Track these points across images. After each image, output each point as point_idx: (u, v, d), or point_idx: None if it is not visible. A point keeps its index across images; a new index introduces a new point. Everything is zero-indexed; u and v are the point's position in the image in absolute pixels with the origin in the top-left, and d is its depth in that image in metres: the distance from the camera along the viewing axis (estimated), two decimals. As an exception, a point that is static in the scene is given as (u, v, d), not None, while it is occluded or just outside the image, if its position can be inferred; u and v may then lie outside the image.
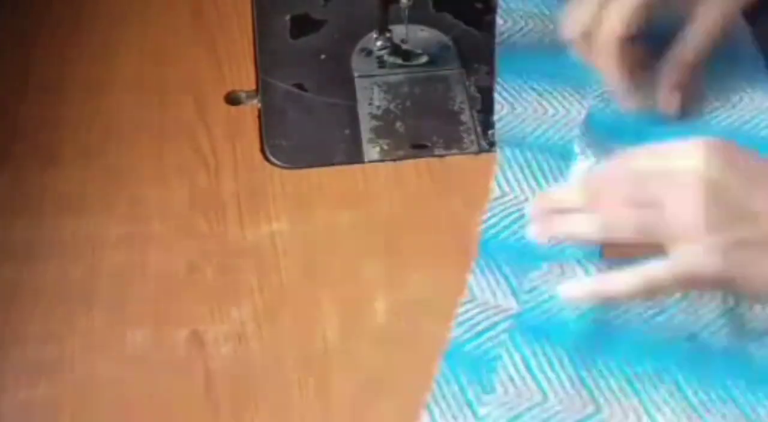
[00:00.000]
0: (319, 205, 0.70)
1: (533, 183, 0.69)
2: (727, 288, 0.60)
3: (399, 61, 0.80)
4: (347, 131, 0.75)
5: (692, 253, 0.55)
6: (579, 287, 0.61)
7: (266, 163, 0.73)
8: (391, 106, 0.77)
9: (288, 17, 0.84)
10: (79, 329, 0.64)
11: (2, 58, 0.80)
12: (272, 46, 0.82)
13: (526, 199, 0.68)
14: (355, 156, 0.74)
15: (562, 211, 0.61)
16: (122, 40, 0.81)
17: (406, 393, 0.60)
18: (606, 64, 0.70)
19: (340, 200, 0.70)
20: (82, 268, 0.67)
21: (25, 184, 0.72)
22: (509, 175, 0.70)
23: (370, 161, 0.73)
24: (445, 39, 0.81)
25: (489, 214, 0.68)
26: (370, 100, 0.77)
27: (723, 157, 0.56)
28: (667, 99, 0.71)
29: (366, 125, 0.75)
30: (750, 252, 0.55)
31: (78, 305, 0.65)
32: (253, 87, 0.78)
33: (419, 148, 0.74)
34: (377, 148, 0.74)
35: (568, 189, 0.64)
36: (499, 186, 0.69)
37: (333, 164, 0.73)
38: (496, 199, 0.68)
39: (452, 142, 0.74)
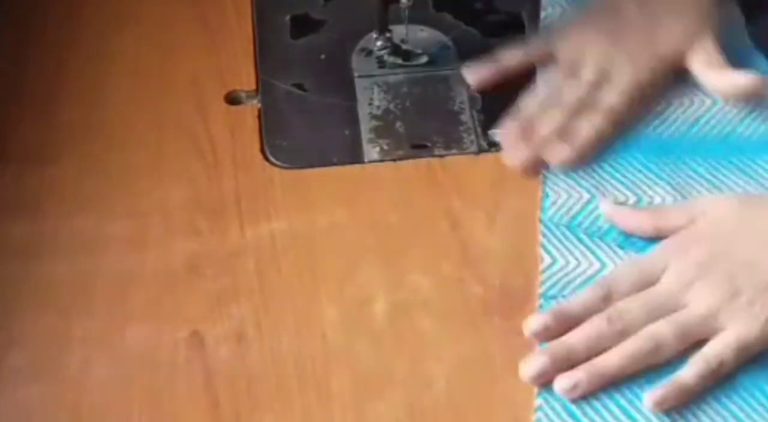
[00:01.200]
0: (319, 204, 0.70)
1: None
2: None
3: (399, 61, 0.80)
4: (347, 131, 0.75)
5: None
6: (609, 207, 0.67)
7: (266, 163, 0.73)
8: (391, 106, 0.77)
9: (288, 17, 0.84)
10: (78, 328, 0.64)
11: (1, 58, 0.80)
12: (272, 46, 0.82)
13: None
14: (355, 156, 0.74)
15: None
16: (121, 39, 0.81)
17: (406, 393, 0.60)
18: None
19: (340, 200, 0.70)
20: (81, 268, 0.67)
21: (24, 183, 0.71)
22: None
23: (370, 161, 0.73)
24: (445, 39, 0.81)
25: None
26: (370, 100, 0.77)
27: None
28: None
29: (366, 125, 0.75)
30: None
31: (77, 304, 0.65)
32: (253, 87, 0.78)
33: (419, 148, 0.74)
34: (377, 148, 0.74)
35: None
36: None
37: (333, 164, 0.73)
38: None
39: (452, 142, 0.74)
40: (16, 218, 0.69)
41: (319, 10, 0.84)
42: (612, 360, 0.58)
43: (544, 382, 0.59)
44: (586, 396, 0.58)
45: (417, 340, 0.62)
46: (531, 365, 0.59)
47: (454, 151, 0.73)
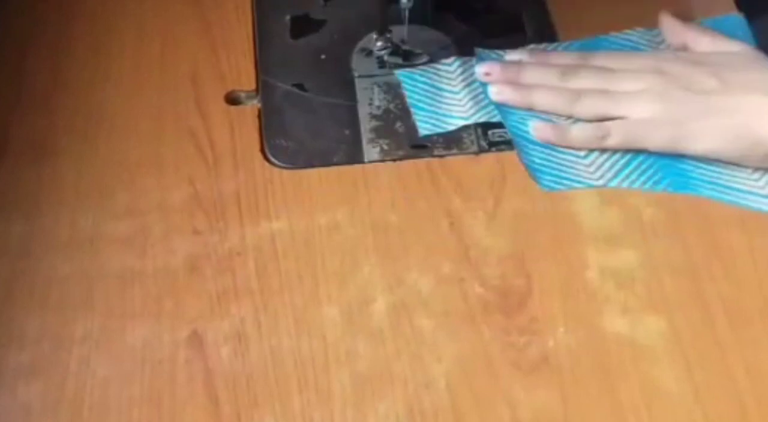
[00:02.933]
0: (319, 204, 0.70)
1: None
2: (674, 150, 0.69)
3: (399, 61, 0.80)
4: (347, 131, 0.75)
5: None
6: (545, 129, 0.73)
7: (266, 163, 0.73)
8: (391, 106, 0.77)
9: (288, 17, 0.84)
10: (77, 328, 0.64)
11: None
12: (272, 46, 0.81)
13: None
14: (355, 156, 0.74)
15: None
16: (121, 38, 0.81)
17: (406, 393, 0.60)
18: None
19: (340, 200, 0.70)
20: (81, 267, 0.67)
21: (22, 181, 0.71)
22: None
23: (370, 161, 0.73)
24: (445, 39, 0.81)
25: None
26: (370, 100, 0.77)
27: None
28: None
29: (366, 125, 0.75)
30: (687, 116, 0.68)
31: (76, 304, 0.65)
32: (253, 87, 0.78)
33: (419, 148, 0.74)
34: (377, 148, 0.74)
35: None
36: None
37: (333, 164, 0.73)
38: None
39: (452, 142, 0.74)
40: (15, 216, 0.69)
41: (319, 10, 0.84)
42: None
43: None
44: None
45: (417, 340, 0.63)
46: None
47: (454, 151, 0.73)
